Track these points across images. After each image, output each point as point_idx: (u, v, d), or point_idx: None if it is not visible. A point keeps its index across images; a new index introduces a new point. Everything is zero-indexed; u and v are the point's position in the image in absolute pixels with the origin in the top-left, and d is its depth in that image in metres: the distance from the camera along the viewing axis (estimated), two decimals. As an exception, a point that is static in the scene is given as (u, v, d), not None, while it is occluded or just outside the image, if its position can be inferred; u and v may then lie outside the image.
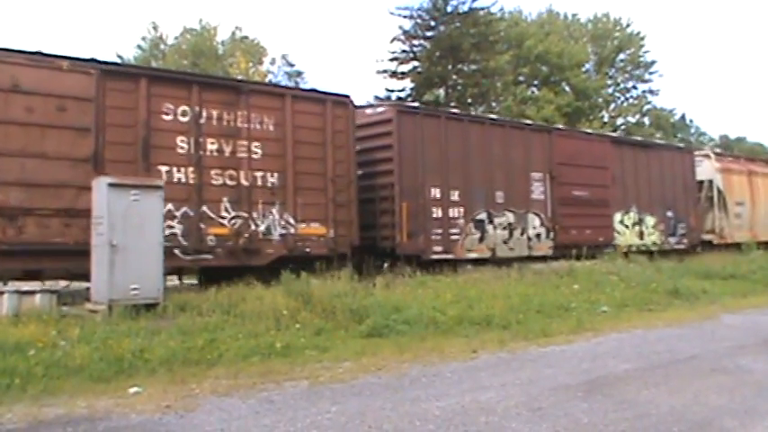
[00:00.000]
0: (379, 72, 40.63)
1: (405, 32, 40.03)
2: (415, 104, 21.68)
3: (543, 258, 20.17)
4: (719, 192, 28.18)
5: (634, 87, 57.81)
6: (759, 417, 6.64)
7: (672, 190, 26.04)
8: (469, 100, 41.46)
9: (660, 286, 16.65)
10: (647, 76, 57.31)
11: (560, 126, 26.77)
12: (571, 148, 22.03)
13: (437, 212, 17.99)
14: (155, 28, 50.83)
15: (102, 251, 11.31)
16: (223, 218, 14.38)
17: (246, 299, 11.96)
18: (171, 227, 13.38)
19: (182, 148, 13.97)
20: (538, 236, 20.61)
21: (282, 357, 9.23)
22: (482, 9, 40.38)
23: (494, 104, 44.20)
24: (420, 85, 40.06)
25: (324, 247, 15.70)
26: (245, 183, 14.73)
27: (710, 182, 28.18)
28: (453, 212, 18.38)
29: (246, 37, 51.32)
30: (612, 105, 56.85)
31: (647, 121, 57.92)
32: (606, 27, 57.25)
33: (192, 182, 13.99)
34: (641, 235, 24.29)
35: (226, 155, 14.53)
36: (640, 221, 24.38)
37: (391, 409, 6.82)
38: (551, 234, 20.97)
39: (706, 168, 28.24)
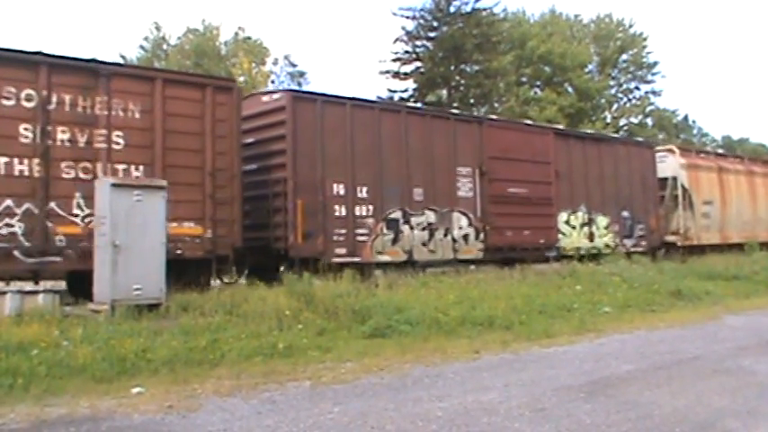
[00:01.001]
0: (381, 73, 40.74)
1: (407, 33, 40.13)
2: (316, 90, 19.33)
3: (472, 263, 18.74)
4: (684, 190, 26.39)
5: (637, 88, 57.94)
6: (762, 418, 6.62)
7: (628, 188, 24.22)
8: (472, 100, 41.49)
9: (663, 287, 16.62)
10: (649, 77, 57.45)
11: (493, 116, 24.48)
12: (506, 141, 20.34)
13: (340, 211, 16.35)
14: (157, 28, 50.84)
15: (105, 251, 11.33)
16: (75, 216, 12.80)
17: (249, 299, 11.98)
18: (9, 225, 12.16)
19: (25, 137, 12.53)
20: (465, 237, 18.90)
21: (285, 358, 9.22)
22: (485, 10, 40.44)
23: (496, 105, 44.22)
24: (423, 85, 40.12)
25: (199, 248, 14.08)
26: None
27: (675, 179, 26.38)
28: (361, 211, 16.72)
29: (249, 37, 51.30)
30: (615, 106, 56.92)
31: (649, 121, 57.90)
32: (609, 28, 57.27)
33: (37, 175, 12.51)
34: (591, 237, 22.52)
35: (80, 145, 13.05)
36: (590, 222, 22.59)
37: (394, 409, 6.81)
38: (481, 235, 19.24)
39: (670, 165, 26.46)
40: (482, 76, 40.85)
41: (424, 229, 17.99)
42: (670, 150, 27.29)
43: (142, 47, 50.08)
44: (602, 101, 53.99)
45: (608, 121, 53.57)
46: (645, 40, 56.68)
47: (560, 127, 26.74)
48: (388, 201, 17.32)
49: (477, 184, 19.37)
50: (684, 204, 26.19)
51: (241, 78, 41.85)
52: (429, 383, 8.00)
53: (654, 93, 58.06)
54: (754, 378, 8.45)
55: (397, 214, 17.49)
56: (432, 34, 40.22)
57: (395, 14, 40.87)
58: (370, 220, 16.87)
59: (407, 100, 38.67)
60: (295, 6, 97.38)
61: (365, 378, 8.28)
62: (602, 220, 23.01)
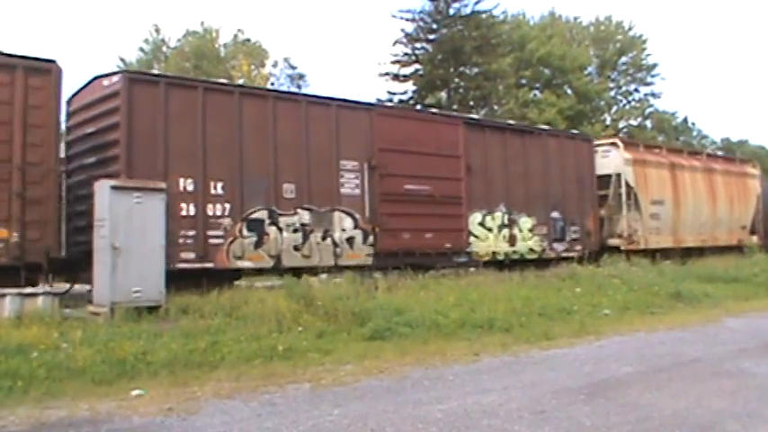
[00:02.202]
0: (381, 75, 40.78)
1: (407, 35, 40.20)
2: (159, 72, 16.69)
3: (360, 269, 16.37)
4: (630, 188, 23.93)
5: (636, 90, 57.90)
6: (762, 420, 6.62)
7: (560, 185, 21.90)
8: (471, 103, 41.52)
9: (662, 289, 16.60)
10: (649, 79, 57.41)
11: (387, 103, 20.89)
12: (403, 131, 17.99)
13: (188, 209, 14.25)
14: (157, 31, 50.89)
15: (105, 253, 11.35)
16: None
17: (248, 301, 11.99)
18: None
19: None
20: (350, 240, 16.71)
21: (285, 360, 9.22)
22: (484, 12, 40.52)
23: (496, 107, 44.24)
24: (422, 87, 40.19)
25: (3, 254, 12.11)
26: None
27: (619, 176, 23.88)
28: (214, 210, 14.64)
29: (249, 39, 51.34)
30: (614, 108, 56.86)
31: (648, 124, 57.91)
32: (608, 30, 57.32)
33: None
34: (513, 240, 20.29)
35: None
36: (511, 224, 20.32)
37: (393, 411, 6.81)
38: (370, 238, 17.04)
39: (614, 160, 24.02)
40: (481, 78, 40.87)
41: (296, 230, 15.87)
42: (613, 144, 24.88)
43: (142, 49, 50.14)
44: (602, 103, 54.00)
45: (607, 123, 53.59)
46: (644, 42, 56.77)
47: (474, 116, 23.55)
48: (250, 198, 15.25)
49: (365, 180, 17.15)
50: (629, 204, 23.88)
51: (240, 81, 41.86)
52: (429, 386, 8.00)
53: (653, 95, 58.12)
54: (754, 380, 8.44)
55: (262, 214, 15.40)
56: (431, 36, 40.29)
57: (394, 17, 40.98)
58: (227, 221, 14.80)
59: (406, 102, 38.73)
60: (295, 9, 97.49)
61: (365, 380, 8.28)
62: (526, 222, 20.81)
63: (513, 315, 12.70)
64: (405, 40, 40.28)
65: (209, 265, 14.43)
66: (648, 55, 56.85)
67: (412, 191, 17.89)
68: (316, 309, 11.64)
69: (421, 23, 40.10)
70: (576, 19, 58.49)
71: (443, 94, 40.87)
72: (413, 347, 10.17)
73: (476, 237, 19.32)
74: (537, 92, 49.17)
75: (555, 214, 21.69)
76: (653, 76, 57.26)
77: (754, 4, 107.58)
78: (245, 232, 15.09)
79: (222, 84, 16.84)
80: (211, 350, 9.26)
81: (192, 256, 14.20)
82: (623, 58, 56.71)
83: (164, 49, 50.75)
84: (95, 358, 8.42)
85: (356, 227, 16.89)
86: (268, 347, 9.58)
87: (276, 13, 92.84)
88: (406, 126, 18.25)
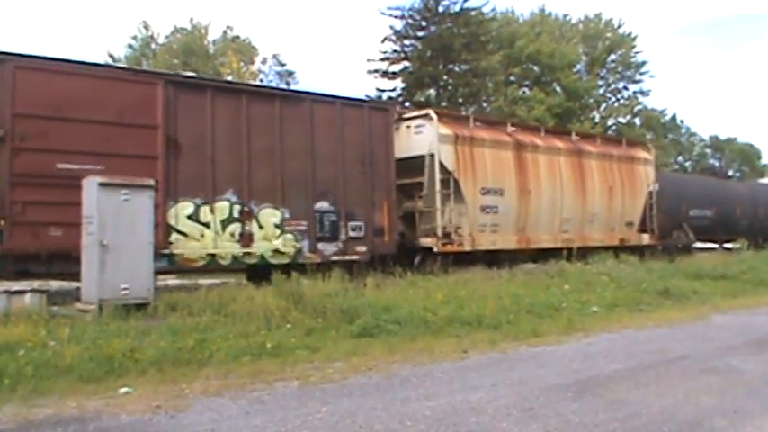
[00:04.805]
0: (370, 72, 40.80)
1: (396, 32, 40.25)
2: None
3: None
4: (448, 173, 18.91)
5: (625, 88, 58.10)
6: (749, 417, 6.65)
7: (334, 167, 16.87)
8: (460, 100, 41.56)
9: (651, 286, 16.66)
10: (638, 77, 57.57)
11: (39, 54, 14.00)
12: (63, 91, 13.64)
13: None
14: (146, 27, 50.75)
15: (93, 251, 11.29)
16: None
17: (237, 299, 11.94)
18: None
19: None
20: None
21: (273, 357, 9.20)
22: (473, 9, 40.61)
23: (485, 104, 44.30)
24: (411, 85, 40.23)
25: None
26: None
27: (432, 157, 18.85)
28: None
29: (238, 36, 51.30)
30: (603, 106, 57.02)
31: (637, 121, 58.08)
32: (597, 28, 57.44)
33: None
34: (247, 239, 15.46)
35: None
36: (246, 217, 15.49)
37: (382, 409, 6.81)
38: None
39: (427, 137, 18.98)
40: (470, 75, 40.96)
41: None
42: (425, 116, 19.43)
43: (130, 46, 50.00)
44: (591, 101, 54.14)
45: (596, 120, 53.74)
46: (633, 40, 56.88)
47: (189, 74, 18.00)
48: None
49: None
50: (446, 194, 18.84)
51: (229, 77, 41.76)
52: (417, 383, 8.00)
53: (642, 93, 58.28)
54: (742, 377, 8.48)
55: None
56: (420, 34, 40.35)
57: (383, 14, 40.91)
58: None
59: (395, 99, 38.71)
60: (284, 5, 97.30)
61: (353, 377, 8.27)
62: (271, 215, 15.90)
63: (501, 312, 12.71)
64: (394, 37, 40.37)
65: None
66: (638, 53, 57.11)
67: (70, 172, 13.14)
68: (304, 306, 11.62)
69: (410, 20, 40.16)
70: (565, 16, 58.70)
71: (432, 92, 40.91)
72: (401, 345, 10.17)
73: (183, 234, 14.61)
74: (526, 89, 49.33)
75: (322, 205, 16.62)
76: (642, 74, 57.50)
77: (744, 2, 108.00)
78: None
79: None
80: (200, 348, 9.22)
81: None
82: (612, 56, 56.85)
83: (152, 45, 50.61)
84: (83, 356, 8.37)
85: None
86: (256, 345, 9.55)
87: (265, 9, 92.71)
88: (69, 84, 13.80)
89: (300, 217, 16.10)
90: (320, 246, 16.48)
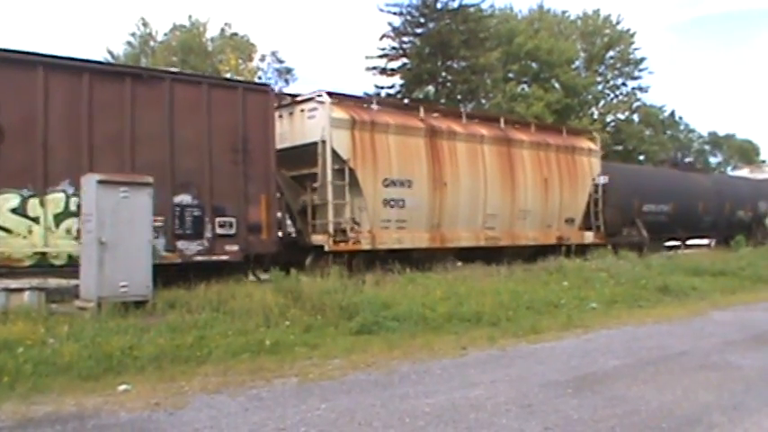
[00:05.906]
0: (368, 69, 40.76)
1: (394, 29, 40.24)
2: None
3: None
4: (342, 161, 16.85)
5: (624, 84, 58.10)
6: (747, 412, 6.66)
7: (198, 156, 14.84)
8: (459, 97, 41.56)
9: (650, 283, 16.65)
10: (636, 73, 57.57)
11: None
12: None
13: None
14: (144, 24, 50.74)
15: (91, 248, 11.28)
16: None
17: (236, 296, 11.94)
18: None
19: None
20: None
21: (272, 354, 9.20)
22: (472, 6, 40.61)
23: (483, 101, 44.28)
24: (409, 81, 40.22)
25: None
26: None
27: (324, 144, 16.82)
28: None
29: (236, 34, 51.25)
30: (602, 102, 57.02)
31: (636, 118, 58.07)
32: (596, 24, 57.45)
33: None
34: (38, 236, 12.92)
35: None
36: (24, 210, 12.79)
37: (381, 405, 6.81)
38: None
39: (320, 122, 16.89)
40: (469, 72, 40.93)
41: None
42: (319, 99, 17.21)
43: (129, 43, 49.98)
44: (589, 97, 54.17)
45: (595, 117, 53.73)
46: (632, 36, 56.95)
47: (12, 48, 13.41)
48: None
49: None
50: (339, 186, 16.84)
51: (228, 75, 41.73)
52: (416, 379, 8.00)
53: (641, 89, 58.30)
54: (740, 373, 8.49)
55: None
56: (419, 30, 40.33)
57: (382, 10, 40.88)
58: None
59: (394, 96, 38.70)
60: (282, 3, 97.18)
61: (352, 374, 8.27)
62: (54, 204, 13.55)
63: (500, 309, 12.70)
64: (392, 34, 40.34)
65: None
66: (636, 49, 57.20)
67: None
68: (303, 303, 11.62)
69: (408, 17, 40.15)
70: (563, 13, 58.77)
71: (431, 88, 40.90)
72: (400, 341, 10.17)
73: (5, 231, 12.63)
74: (525, 86, 49.29)
75: (184, 198, 14.67)
76: (640, 71, 57.51)
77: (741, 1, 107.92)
78: None
79: None
80: (198, 345, 9.22)
81: None
82: (611, 52, 56.87)
83: (151, 43, 50.57)
84: (82, 353, 8.36)
85: None
86: (255, 342, 9.55)
87: (264, 7, 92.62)
88: None
89: (156, 212, 12.69)
90: (180, 244, 14.45)
